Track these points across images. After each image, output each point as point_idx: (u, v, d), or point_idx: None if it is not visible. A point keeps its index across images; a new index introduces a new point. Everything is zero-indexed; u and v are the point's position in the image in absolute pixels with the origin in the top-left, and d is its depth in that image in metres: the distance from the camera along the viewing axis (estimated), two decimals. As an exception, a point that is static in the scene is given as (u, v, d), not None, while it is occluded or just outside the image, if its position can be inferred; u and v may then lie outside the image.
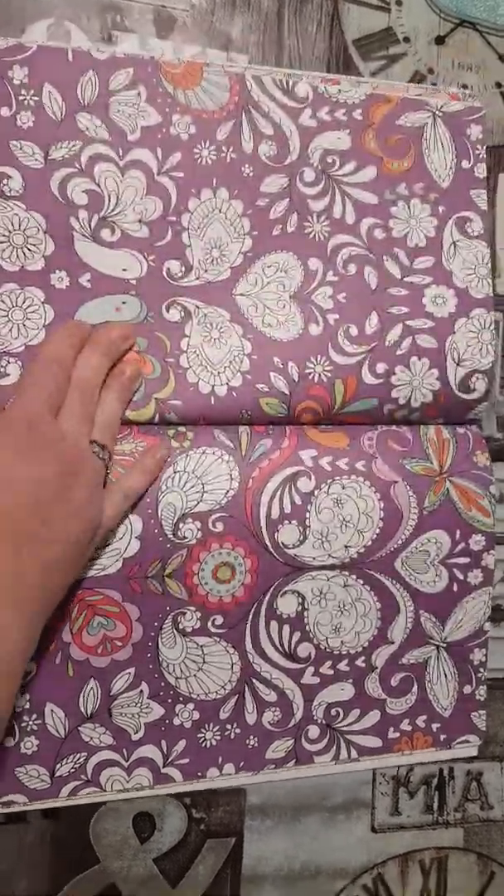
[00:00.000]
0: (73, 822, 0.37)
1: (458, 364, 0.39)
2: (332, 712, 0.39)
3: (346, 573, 0.38)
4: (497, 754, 0.43)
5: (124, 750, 0.36)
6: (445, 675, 0.40)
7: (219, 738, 0.37)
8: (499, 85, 0.43)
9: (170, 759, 0.37)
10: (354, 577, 0.38)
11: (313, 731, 0.39)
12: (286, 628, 0.38)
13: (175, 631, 0.36)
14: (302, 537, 0.38)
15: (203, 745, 0.37)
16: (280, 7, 0.39)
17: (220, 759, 0.37)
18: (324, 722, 0.39)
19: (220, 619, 0.37)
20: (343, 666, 0.39)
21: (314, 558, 0.38)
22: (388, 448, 0.39)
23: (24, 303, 0.35)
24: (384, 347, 0.38)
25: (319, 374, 0.38)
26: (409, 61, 0.41)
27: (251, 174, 0.37)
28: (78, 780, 0.35)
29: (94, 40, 0.37)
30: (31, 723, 0.35)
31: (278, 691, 0.38)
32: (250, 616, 0.37)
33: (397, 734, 0.40)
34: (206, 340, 0.37)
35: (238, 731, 0.37)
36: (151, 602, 0.36)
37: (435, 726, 0.40)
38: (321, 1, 0.40)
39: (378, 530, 0.39)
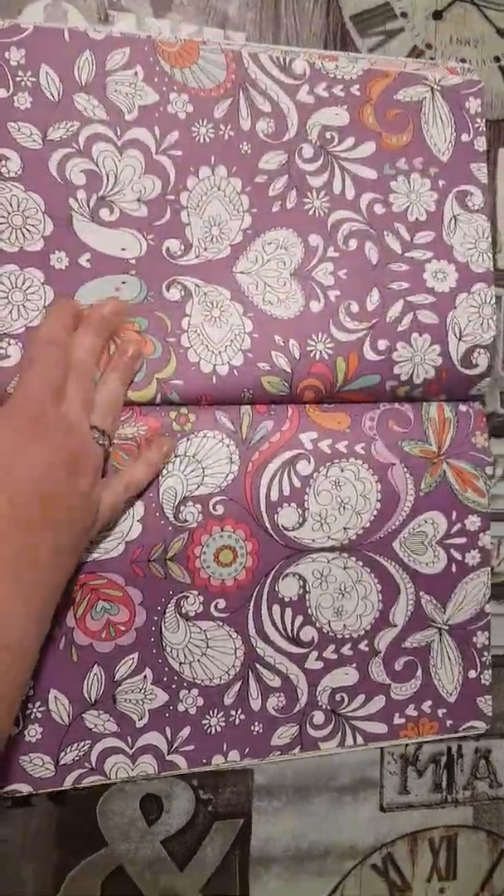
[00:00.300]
0: (80, 806, 0.37)
1: (459, 339, 0.39)
2: (337, 697, 0.38)
3: (346, 555, 0.38)
4: (505, 732, 0.43)
5: (129, 737, 0.36)
6: (449, 659, 0.40)
7: (223, 724, 0.37)
8: (497, 59, 0.42)
9: (174, 746, 0.36)
10: (354, 558, 0.38)
11: (318, 716, 0.38)
12: (288, 611, 0.38)
13: (178, 615, 0.36)
14: (301, 520, 0.37)
15: (208, 731, 0.37)
16: (276, -15, 0.39)
17: (224, 746, 0.37)
18: (328, 708, 0.38)
19: (222, 603, 0.37)
20: (346, 650, 0.38)
21: (314, 540, 0.38)
22: (389, 429, 0.39)
23: (23, 284, 0.35)
24: (385, 324, 0.38)
25: (321, 352, 0.37)
26: (406, 37, 0.41)
27: (249, 151, 0.37)
28: (82, 768, 0.35)
29: (91, 20, 0.37)
30: (35, 710, 0.34)
31: (282, 676, 0.38)
32: (252, 599, 0.37)
33: (403, 720, 0.40)
34: (206, 319, 0.36)
35: (242, 717, 0.37)
36: (154, 586, 0.36)
37: (441, 711, 0.40)
38: (318, -22, 0.40)
39: (375, 512, 0.38)
